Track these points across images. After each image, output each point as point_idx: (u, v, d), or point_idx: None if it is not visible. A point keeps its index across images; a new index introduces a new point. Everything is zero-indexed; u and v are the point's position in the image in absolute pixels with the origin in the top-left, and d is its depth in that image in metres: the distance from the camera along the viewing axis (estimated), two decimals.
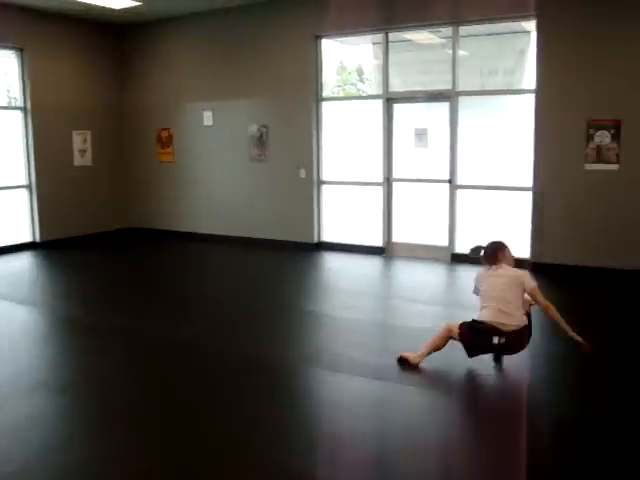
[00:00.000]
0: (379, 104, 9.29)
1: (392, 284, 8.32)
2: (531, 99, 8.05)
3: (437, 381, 4.75)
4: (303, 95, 9.69)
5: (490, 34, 8.94)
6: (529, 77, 8.29)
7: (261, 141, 10.10)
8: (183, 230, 11.13)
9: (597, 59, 7.58)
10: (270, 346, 5.48)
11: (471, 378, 4.80)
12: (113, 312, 6.66)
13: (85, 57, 10.88)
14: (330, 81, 10.32)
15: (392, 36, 9.15)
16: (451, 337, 4.80)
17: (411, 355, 4.88)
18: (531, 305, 4.81)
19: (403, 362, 4.89)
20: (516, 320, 4.64)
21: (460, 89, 8.67)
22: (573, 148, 7.77)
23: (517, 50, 8.70)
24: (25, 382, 4.72)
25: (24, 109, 10.05)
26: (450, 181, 8.80)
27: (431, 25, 8.82)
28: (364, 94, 10.16)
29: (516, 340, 4.65)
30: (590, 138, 7.66)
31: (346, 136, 9.90)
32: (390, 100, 9.21)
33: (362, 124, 9.75)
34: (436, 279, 8.36)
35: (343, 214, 9.97)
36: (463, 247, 8.81)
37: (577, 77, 7.69)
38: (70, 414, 4.27)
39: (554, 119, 7.85)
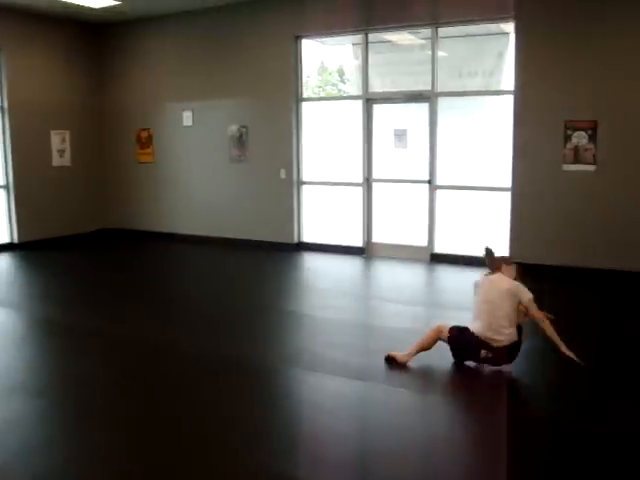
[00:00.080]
0: (359, 105, 9.32)
1: (372, 284, 8.35)
2: (510, 100, 8.11)
3: (420, 380, 4.76)
4: (283, 95, 9.69)
5: (469, 35, 8.98)
6: (508, 78, 8.35)
7: (241, 141, 10.09)
8: (163, 231, 11.08)
9: (574, 61, 7.66)
10: (250, 346, 5.48)
11: (455, 377, 4.83)
12: (91, 314, 6.62)
13: (64, 56, 10.80)
14: (312, 81, 10.33)
15: (372, 37, 9.18)
16: (440, 338, 4.84)
17: (399, 354, 4.89)
18: (526, 316, 4.75)
19: (390, 361, 4.90)
20: (506, 337, 4.66)
21: (439, 90, 8.71)
22: (551, 149, 7.84)
23: (496, 52, 8.75)
24: (3, 384, 4.67)
25: (1, 109, 9.95)
26: (429, 181, 8.84)
27: (410, 26, 8.85)
28: (345, 94, 10.19)
29: (503, 355, 4.68)
30: (568, 139, 7.74)
31: (326, 137, 9.91)
32: (370, 101, 9.24)
33: (342, 125, 9.76)
34: (415, 279, 8.39)
35: (323, 214, 9.98)
36: (442, 247, 8.88)
37: (555, 78, 7.76)
38: (49, 416, 4.24)
39: (532, 120, 7.92)
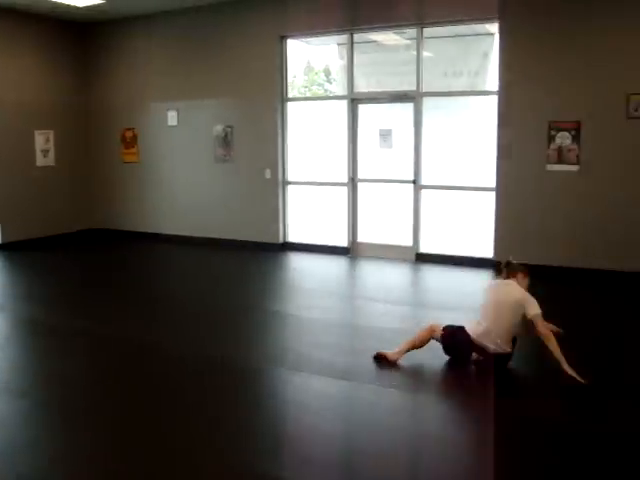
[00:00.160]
0: (344, 105, 9.33)
1: (357, 284, 8.36)
2: (494, 100, 8.15)
3: (410, 380, 4.76)
4: (268, 95, 9.68)
5: (454, 36, 9.01)
6: (492, 79, 8.39)
7: (226, 141, 10.07)
8: (148, 231, 11.04)
9: (558, 61, 7.70)
10: (234, 346, 5.47)
11: (445, 376, 4.84)
12: (75, 314, 6.59)
13: (47, 55, 10.72)
14: (298, 81, 10.33)
15: (357, 37, 9.19)
16: (433, 337, 4.84)
17: (389, 352, 4.88)
18: (529, 333, 4.68)
19: (380, 359, 4.89)
20: (502, 349, 4.68)
21: (424, 90, 8.74)
22: (535, 149, 7.89)
23: (481, 52, 8.79)
24: None
25: None
26: (414, 181, 8.87)
27: (396, 26, 8.87)
28: (331, 94, 10.19)
29: (492, 362, 4.69)
30: (551, 139, 7.79)
31: (312, 136, 9.91)
32: (355, 101, 9.25)
33: (327, 125, 9.76)
34: (401, 279, 8.41)
35: (308, 214, 9.98)
36: (427, 247, 8.90)
37: (539, 79, 7.80)
38: (33, 416, 4.21)
39: (517, 120, 7.96)
